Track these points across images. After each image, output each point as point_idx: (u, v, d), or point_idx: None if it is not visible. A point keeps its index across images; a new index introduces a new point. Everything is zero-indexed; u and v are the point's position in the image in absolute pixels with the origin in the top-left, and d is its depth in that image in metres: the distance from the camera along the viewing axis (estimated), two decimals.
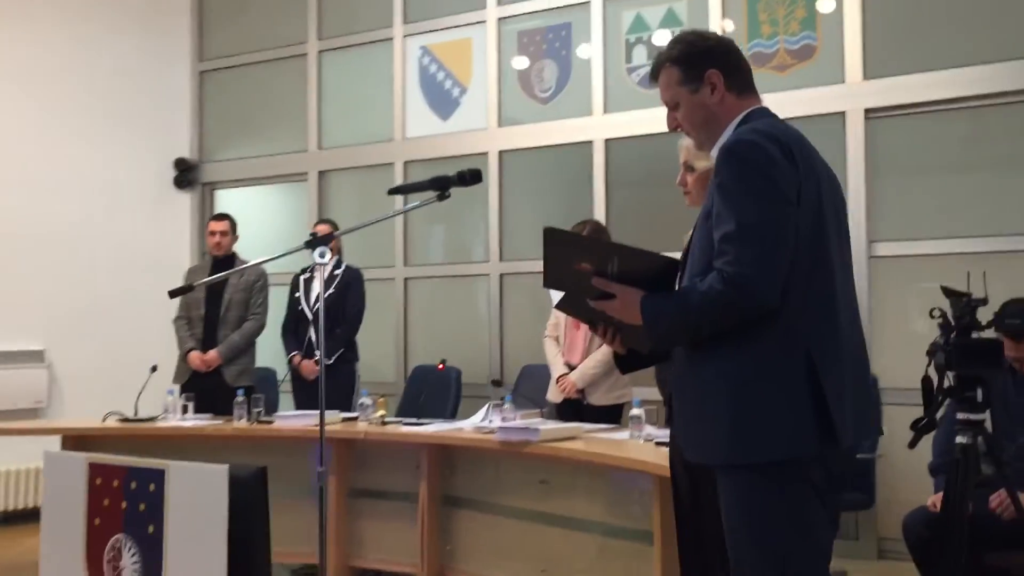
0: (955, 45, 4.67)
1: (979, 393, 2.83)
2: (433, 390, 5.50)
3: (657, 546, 3.13)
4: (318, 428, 4.26)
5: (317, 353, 5.14)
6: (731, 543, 2.00)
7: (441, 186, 2.59)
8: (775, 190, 1.94)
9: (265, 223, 6.60)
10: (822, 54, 5.00)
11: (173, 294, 2.76)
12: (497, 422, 3.90)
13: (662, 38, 5.44)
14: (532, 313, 5.65)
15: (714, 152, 2.10)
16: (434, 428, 4.14)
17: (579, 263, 2.14)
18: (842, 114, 4.89)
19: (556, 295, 2.46)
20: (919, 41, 4.78)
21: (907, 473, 4.35)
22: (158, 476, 2.88)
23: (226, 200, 6.93)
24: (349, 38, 6.50)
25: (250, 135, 6.91)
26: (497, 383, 4.44)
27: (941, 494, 3.05)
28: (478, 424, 4.06)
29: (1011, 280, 3.93)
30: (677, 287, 2.12)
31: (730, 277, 1.90)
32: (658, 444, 3.42)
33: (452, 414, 5.22)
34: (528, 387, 4.88)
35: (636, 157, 5.49)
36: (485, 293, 5.94)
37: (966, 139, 4.71)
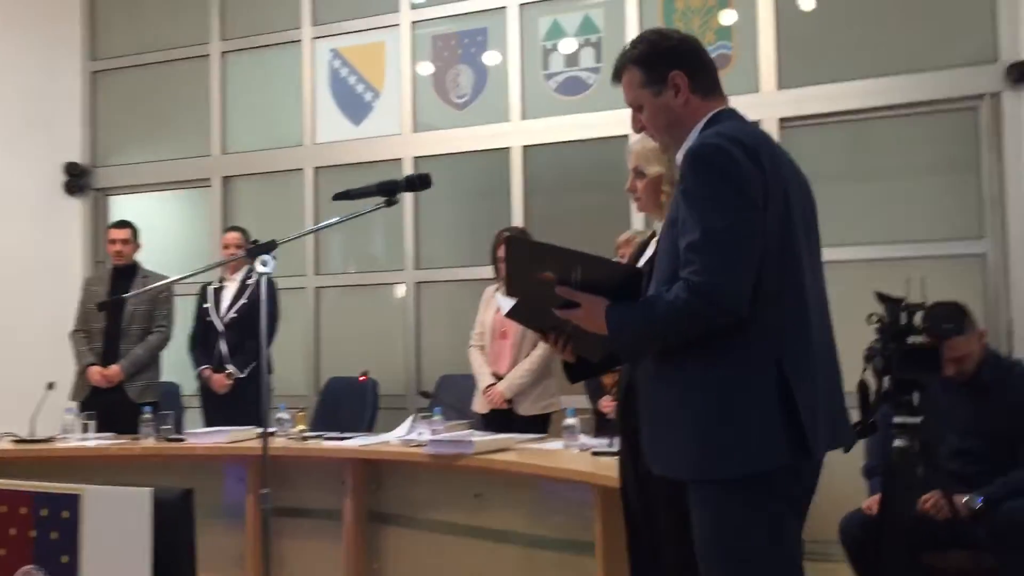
0: (867, 56, 4.79)
1: (915, 397, 2.89)
2: (349, 402, 5.34)
3: (599, 557, 3.07)
4: (234, 446, 4.15)
5: (228, 367, 4.92)
6: (702, 558, 1.95)
7: (389, 191, 2.48)
8: (740, 195, 1.90)
9: (164, 231, 6.27)
10: (737, 64, 5.06)
11: (101, 307, 2.57)
12: (427, 435, 3.78)
13: (569, 46, 5.42)
14: (449, 322, 5.55)
15: (679, 156, 2.06)
16: (359, 442, 3.99)
17: (541, 272, 2.08)
18: (757, 123, 4.94)
19: (505, 304, 2.39)
20: (832, 52, 4.89)
21: (824, 477, 4.41)
22: (71, 502, 2.64)
23: (122, 207, 6.56)
24: (255, 39, 6.26)
25: (148, 139, 6.59)
26: (426, 394, 4.31)
27: (877, 497, 3.09)
28: (405, 437, 3.93)
29: (927, 285, 4.04)
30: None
31: (696, 286, 1.85)
32: (595, 454, 3.38)
33: (369, 427, 5.07)
34: (449, 397, 4.76)
35: (554, 164, 5.45)
36: (400, 302, 5.80)
37: (879, 148, 4.83)
